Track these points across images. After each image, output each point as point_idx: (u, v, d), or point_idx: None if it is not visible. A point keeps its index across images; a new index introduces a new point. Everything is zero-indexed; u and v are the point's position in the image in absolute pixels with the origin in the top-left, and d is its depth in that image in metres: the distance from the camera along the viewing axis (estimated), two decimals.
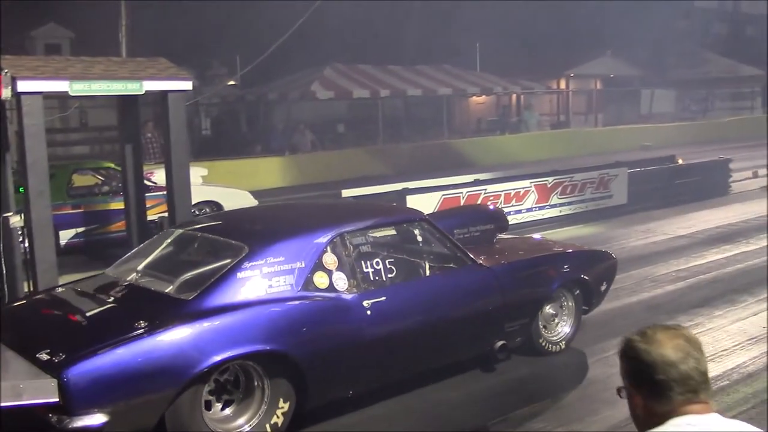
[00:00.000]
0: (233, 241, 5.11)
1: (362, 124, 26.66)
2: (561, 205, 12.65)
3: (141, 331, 4.31)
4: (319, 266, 4.95)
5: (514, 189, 12.02)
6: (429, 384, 5.61)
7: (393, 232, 5.92)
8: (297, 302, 4.79)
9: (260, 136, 24.89)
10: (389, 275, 5.36)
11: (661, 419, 1.90)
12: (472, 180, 12.24)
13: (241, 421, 4.66)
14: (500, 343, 5.69)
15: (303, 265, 4.88)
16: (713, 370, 5.76)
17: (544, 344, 6.18)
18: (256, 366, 4.63)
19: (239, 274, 4.71)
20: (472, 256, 5.77)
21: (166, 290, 4.84)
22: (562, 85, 33.59)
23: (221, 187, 12.73)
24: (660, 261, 9.53)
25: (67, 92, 7.28)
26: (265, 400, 4.68)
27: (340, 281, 5.00)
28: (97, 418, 4.03)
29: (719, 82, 36.00)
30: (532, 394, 5.65)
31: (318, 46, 24.84)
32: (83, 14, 22.56)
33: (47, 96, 7.41)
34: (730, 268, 9.14)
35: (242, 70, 19.12)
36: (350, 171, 19.20)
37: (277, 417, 4.71)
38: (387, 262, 5.40)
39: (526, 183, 12.25)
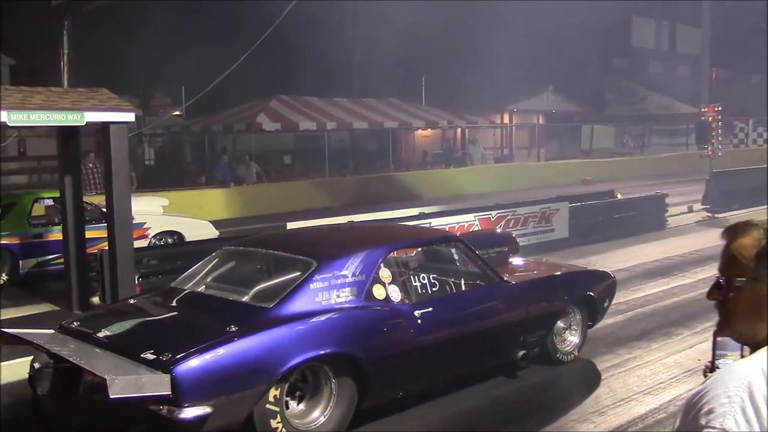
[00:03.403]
0: (301, 257, 5.58)
1: (308, 156, 26.65)
2: None
3: (233, 334, 4.74)
4: (376, 279, 5.50)
5: (458, 222, 12.13)
6: (453, 391, 6.07)
7: (434, 250, 6.71)
8: (362, 311, 5.35)
9: (205, 167, 24.66)
10: (433, 288, 6.06)
11: None
12: (417, 213, 12.30)
13: (313, 416, 5.09)
14: (522, 352, 6.29)
15: (364, 279, 5.42)
16: (651, 403, 5.89)
17: (558, 354, 6.79)
18: (327, 367, 5.09)
19: (311, 285, 5.21)
20: (499, 273, 6.37)
21: (243, 299, 5.34)
22: (506, 119, 34.19)
23: (182, 217, 12.54)
24: None
25: (5, 122, 7.14)
26: (332, 398, 5.13)
27: (395, 293, 5.56)
28: (202, 410, 4.43)
29: (655, 118, 37.11)
30: (551, 399, 6.29)
31: (264, 77, 24.82)
32: (25, 41, 22.14)
33: None
34: (667, 301, 9.38)
35: (187, 101, 18.97)
36: (295, 203, 19.10)
37: (342, 414, 5.14)
38: (430, 277, 6.11)
39: (470, 217, 12.37)
